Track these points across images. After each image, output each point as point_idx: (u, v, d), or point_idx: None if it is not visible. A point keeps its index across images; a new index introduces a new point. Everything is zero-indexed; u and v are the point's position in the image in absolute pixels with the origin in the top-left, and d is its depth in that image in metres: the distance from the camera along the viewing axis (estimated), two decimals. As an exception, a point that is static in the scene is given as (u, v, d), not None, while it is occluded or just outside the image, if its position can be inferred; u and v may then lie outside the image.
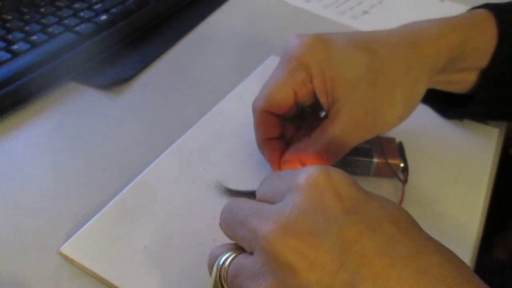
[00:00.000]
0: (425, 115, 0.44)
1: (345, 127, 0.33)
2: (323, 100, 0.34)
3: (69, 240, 0.32)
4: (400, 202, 0.36)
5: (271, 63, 0.50)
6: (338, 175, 0.24)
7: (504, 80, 0.39)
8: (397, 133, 0.40)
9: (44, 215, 0.35)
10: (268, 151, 0.36)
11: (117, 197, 0.35)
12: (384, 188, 0.37)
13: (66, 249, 0.32)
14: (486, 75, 0.39)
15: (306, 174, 0.24)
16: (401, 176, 0.37)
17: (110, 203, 0.35)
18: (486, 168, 0.39)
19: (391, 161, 0.37)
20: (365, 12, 0.63)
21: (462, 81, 0.40)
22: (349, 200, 0.23)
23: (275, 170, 0.36)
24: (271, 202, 0.25)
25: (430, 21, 0.37)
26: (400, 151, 0.38)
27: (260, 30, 0.58)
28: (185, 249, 0.32)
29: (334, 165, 0.36)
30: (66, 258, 0.32)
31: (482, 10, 0.39)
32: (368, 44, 0.34)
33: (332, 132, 0.33)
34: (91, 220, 0.34)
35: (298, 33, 0.35)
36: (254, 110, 0.35)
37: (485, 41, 0.38)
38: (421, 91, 0.35)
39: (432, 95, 0.43)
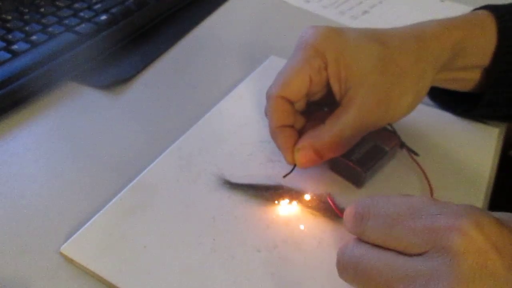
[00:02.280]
0: (424, 115, 0.44)
1: (359, 114, 0.34)
2: (336, 88, 0.35)
3: (69, 240, 0.32)
4: (425, 175, 0.37)
5: (271, 63, 0.50)
6: (490, 225, 0.22)
7: (509, 80, 0.39)
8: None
9: (44, 215, 0.35)
10: (282, 139, 0.36)
11: (117, 197, 0.35)
12: (392, 171, 0.37)
13: (66, 249, 0.32)
14: (490, 75, 0.39)
15: (462, 235, 0.21)
16: (405, 150, 0.38)
17: (110, 203, 0.35)
18: (486, 168, 0.39)
19: (394, 142, 0.38)
20: (365, 12, 0.63)
21: (466, 79, 0.41)
22: (508, 251, 0.21)
23: (288, 158, 0.35)
24: (402, 252, 0.23)
25: (432, 21, 0.38)
26: (390, 130, 0.38)
27: (260, 30, 0.58)
28: (185, 249, 0.32)
29: (362, 177, 0.36)
30: (66, 258, 0.32)
31: (482, 11, 0.40)
32: (378, 36, 0.36)
33: (346, 119, 0.34)
34: (91, 220, 0.34)
35: (310, 26, 0.36)
36: (269, 97, 0.36)
37: (485, 39, 0.38)
38: (428, 82, 0.36)
39: (442, 95, 0.43)
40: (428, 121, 0.43)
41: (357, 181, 0.37)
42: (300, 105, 0.37)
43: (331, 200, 0.34)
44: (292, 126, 0.36)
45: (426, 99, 0.45)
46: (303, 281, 0.30)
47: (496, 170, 0.40)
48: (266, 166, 0.38)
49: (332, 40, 0.35)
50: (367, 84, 0.34)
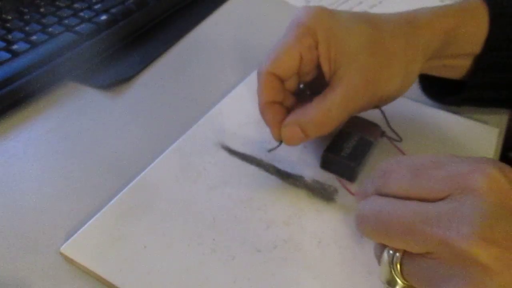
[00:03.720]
0: (424, 115, 0.44)
1: (346, 93, 0.34)
2: (325, 67, 0.35)
3: (69, 240, 0.32)
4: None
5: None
6: (510, 170, 0.23)
7: (497, 66, 0.40)
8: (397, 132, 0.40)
9: (44, 215, 0.35)
10: (270, 115, 0.36)
11: (117, 197, 0.35)
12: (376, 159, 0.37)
13: (66, 249, 0.32)
14: (479, 60, 0.40)
15: (485, 176, 0.22)
16: (389, 137, 0.39)
17: (110, 203, 0.35)
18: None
19: (377, 133, 0.38)
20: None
21: (456, 66, 0.41)
22: None
23: (274, 134, 0.36)
24: (425, 200, 0.24)
25: (424, 8, 0.38)
26: (366, 120, 0.39)
27: (260, 30, 0.58)
28: (185, 249, 0.32)
29: (355, 171, 0.37)
30: (66, 258, 0.32)
31: None
32: (369, 19, 0.36)
33: (333, 98, 0.34)
34: (91, 220, 0.34)
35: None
36: (259, 73, 0.36)
37: (477, 27, 0.39)
38: (417, 68, 0.37)
39: (430, 85, 0.44)
40: (428, 120, 0.43)
41: (350, 175, 0.37)
42: (291, 84, 0.37)
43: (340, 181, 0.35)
44: (281, 103, 0.37)
45: (422, 98, 0.45)
46: (303, 281, 0.30)
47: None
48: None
49: (323, 20, 0.35)
50: (356, 65, 0.34)
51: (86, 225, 0.33)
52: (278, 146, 0.36)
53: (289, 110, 0.37)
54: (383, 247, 0.25)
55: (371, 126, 0.39)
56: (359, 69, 0.34)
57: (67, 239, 0.33)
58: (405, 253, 0.24)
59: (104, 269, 0.31)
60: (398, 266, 0.24)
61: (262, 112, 0.36)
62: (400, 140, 0.40)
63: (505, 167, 0.23)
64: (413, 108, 0.44)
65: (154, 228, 0.33)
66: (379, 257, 0.26)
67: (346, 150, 0.37)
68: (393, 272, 0.25)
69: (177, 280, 0.30)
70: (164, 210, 0.35)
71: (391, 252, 0.25)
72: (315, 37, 0.35)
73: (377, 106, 0.37)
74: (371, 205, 0.25)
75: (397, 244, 0.24)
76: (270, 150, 0.36)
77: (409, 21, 0.37)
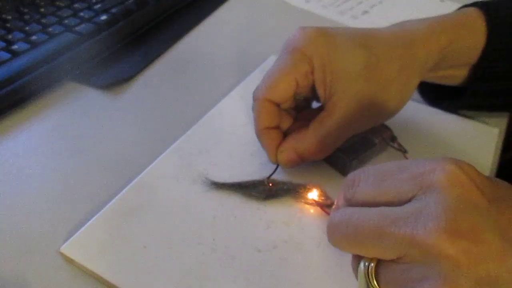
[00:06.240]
0: (424, 114, 0.44)
1: (342, 121, 0.34)
2: (321, 92, 0.36)
3: (69, 240, 0.32)
4: None
5: (271, 63, 0.50)
6: (468, 167, 0.24)
7: (494, 75, 0.40)
8: (396, 132, 0.40)
9: (44, 215, 0.35)
10: (267, 140, 0.37)
11: (117, 197, 0.35)
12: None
13: (66, 249, 0.32)
14: (476, 70, 0.40)
15: (445, 172, 0.23)
16: (395, 145, 0.39)
17: (110, 203, 0.35)
18: (486, 168, 0.39)
19: (383, 136, 0.38)
20: (365, 12, 0.63)
21: (453, 76, 0.41)
22: (487, 190, 0.23)
23: (271, 158, 0.37)
24: (392, 203, 0.24)
25: (422, 22, 0.38)
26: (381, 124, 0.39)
27: (260, 30, 0.58)
28: (185, 249, 0.32)
29: (347, 165, 0.37)
30: (66, 258, 0.32)
31: (472, 9, 0.40)
32: (366, 41, 0.36)
33: (329, 126, 0.35)
34: (91, 220, 0.34)
35: (301, 26, 0.36)
36: (256, 99, 0.36)
37: (474, 40, 0.39)
38: (412, 89, 0.37)
39: (428, 89, 0.44)
40: (428, 120, 0.43)
41: (343, 169, 0.38)
42: (288, 104, 0.37)
43: (314, 199, 0.35)
44: (277, 127, 0.37)
45: (421, 98, 0.45)
46: (303, 281, 0.30)
47: (496, 171, 0.40)
48: (266, 166, 0.38)
49: (319, 45, 0.35)
50: (352, 92, 0.34)
51: (86, 225, 0.33)
52: (275, 170, 0.37)
53: (286, 131, 0.37)
54: (358, 260, 0.25)
55: (382, 128, 0.39)
56: (355, 96, 0.34)
57: (67, 239, 0.33)
58: (379, 262, 0.24)
59: (104, 269, 0.31)
60: (374, 276, 0.24)
61: (259, 137, 0.37)
62: (405, 151, 0.39)
63: (463, 163, 0.23)
64: (412, 109, 0.44)
65: (154, 228, 0.33)
66: (356, 271, 0.26)
67: (345, 144, 0.37)
68: (370, 285, 0.24)
69: (177, 280, 0.30)
70: (164, 210, 0.35)
71: (366, 263, 0.24)
72: (311, 63, 0.35)
73: (374, 125, 0.37)
74: (341, 215, 0.25)
75: (369, 251, 0.24)
76: (269, 177, 0.37)
77: (405, 42, 0.36)
